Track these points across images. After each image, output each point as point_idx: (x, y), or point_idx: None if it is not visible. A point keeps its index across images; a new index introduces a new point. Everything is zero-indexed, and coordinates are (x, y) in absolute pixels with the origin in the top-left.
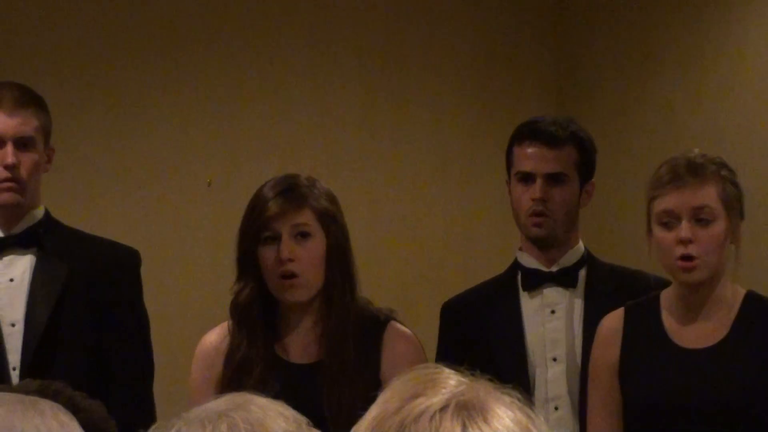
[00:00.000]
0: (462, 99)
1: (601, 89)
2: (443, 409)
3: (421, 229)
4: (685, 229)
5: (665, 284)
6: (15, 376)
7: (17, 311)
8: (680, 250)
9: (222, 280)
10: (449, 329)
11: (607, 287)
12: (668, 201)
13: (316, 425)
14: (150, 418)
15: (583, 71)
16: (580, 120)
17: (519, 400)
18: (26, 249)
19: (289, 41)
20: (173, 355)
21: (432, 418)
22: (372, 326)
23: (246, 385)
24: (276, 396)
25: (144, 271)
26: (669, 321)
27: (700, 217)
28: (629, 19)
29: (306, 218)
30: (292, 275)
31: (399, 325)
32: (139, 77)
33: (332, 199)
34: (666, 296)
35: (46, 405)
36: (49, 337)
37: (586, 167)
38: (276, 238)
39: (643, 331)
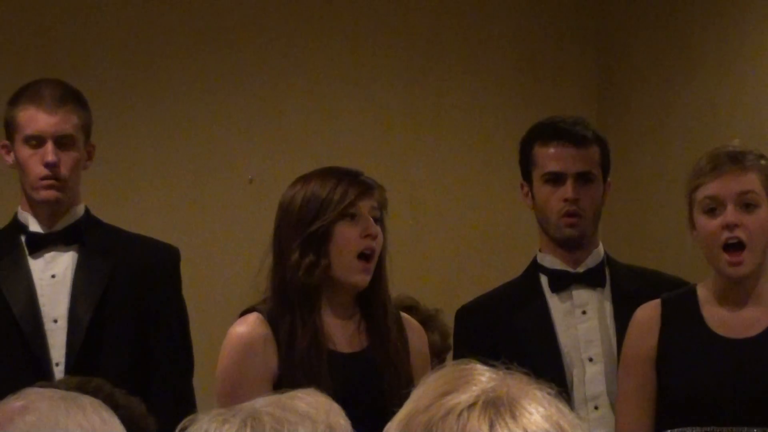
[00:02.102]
0: (502, 100)
1: (642, 90)
2: (471, 406)
3: (461, 228)
4: (730, 213)
5: (682, 284)
6: (58, 372)
7: (60, 308)
8: (726, 235)
9: (262, 275)
10: (470, 334)
11: (631, 287)
12: (712, 188)
13: (372, 415)
14: (191, 412)
15: (623, 72)
16: (621, 121)
17: (551, 394)
18: (67, 246)
19: (331, 40)
20: (214, 351)
21: (459, 415)
22: (396, 317)
23: (314, 376)
24: (335, 388)
25: (185, 268)
26: (709, 312)
27: (745, 202)
28: (669, 20)
29: (377, 204)
30: (370, 257)
31: (407, 316)
32: (181, 74)
33: None
34: (704, 288)
35: (87, 401)
36: (92, 333)
37: (606, 166)
38: (359, 216)
39: (683, 322)
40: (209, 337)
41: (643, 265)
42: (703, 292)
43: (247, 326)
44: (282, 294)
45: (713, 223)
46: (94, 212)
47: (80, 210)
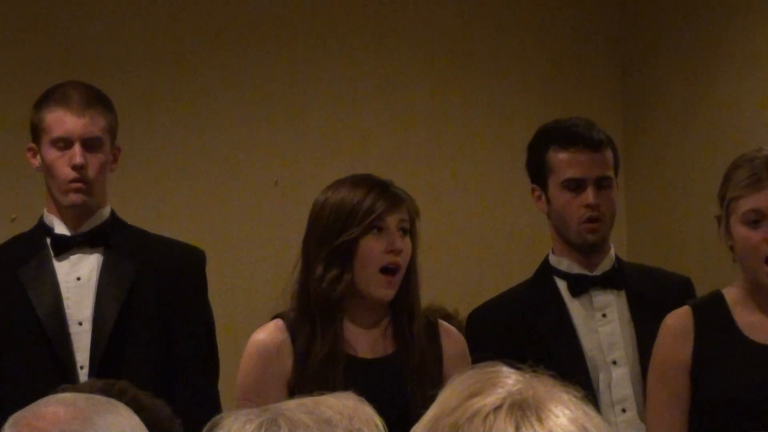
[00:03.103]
0: (527, 103)
1: (666, 92)
2: (497, 409)
3: (487, 230)
4: None
5: (687, 281)
6: (83, 375)
7: (85, 310)
8: None
9: (288, 279)
10: (488, 336)
11: (643, 287)
12: (756, 200)
13: (394, 421)
14: (216, 415)
15: (648, 75)
16: (646, 124)
17: (577, 397)
18: (93, 248)
19: (357, 43)
20: (239, 355)
21: (485, 418)
22: (428, 325)
23: (331, 383)
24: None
25: (211, 270)
26: (741, 318)
27: None
28: (693, 22)
29: (406, 216)
30: (395, 271)
31: (447, 324)
32: (207, 77)
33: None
34: (734, 293)
35: (121, 405)
36: (116, 336)
37: (617, 168)
38: (384, 231)
39: (716, 329)
40: (235, 340)
41: (668, 265)
42: (731, 298)
43: (266, 333)
44: (304, 303)
45: (756, 236)
46: (121, 215)
47: (106, 212)
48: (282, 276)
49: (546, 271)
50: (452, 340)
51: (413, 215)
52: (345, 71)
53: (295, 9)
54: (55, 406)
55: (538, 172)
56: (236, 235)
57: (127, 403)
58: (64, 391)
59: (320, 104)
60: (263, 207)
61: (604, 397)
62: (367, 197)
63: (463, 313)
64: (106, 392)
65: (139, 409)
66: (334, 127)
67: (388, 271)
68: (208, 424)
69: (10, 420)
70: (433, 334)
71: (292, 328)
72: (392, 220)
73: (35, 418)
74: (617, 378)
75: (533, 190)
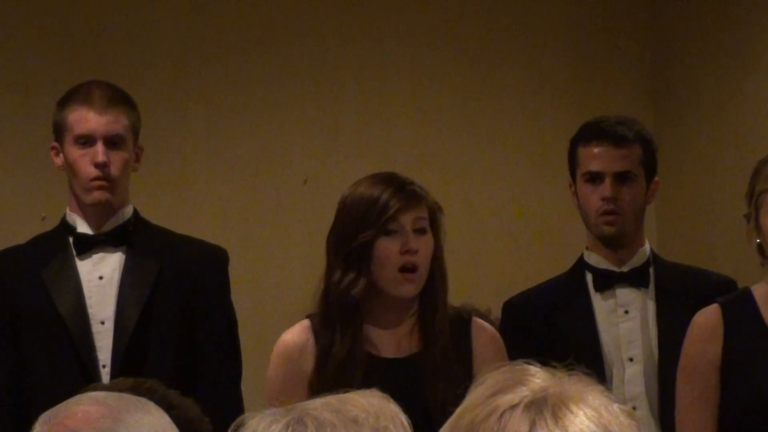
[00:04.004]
0: (556, 101)
1: (696, 89)
2: (513, 407)
3: (516, 228)
4: None
5: (728, 282)
6: (105, 374)
7: (107, 309)
8: None
9: (317, 277)
10: (512, 327)
11: (675, 286)
12: None
13: (419, 418)
14: (240, 415)
15: (678, 72)
16: (676, 121)
17: (609, 397)
18: (115, 247)
19: (387, 40)
20: (268, 353)
21: (501, 416)
22: (458, 323)
23: (349, 383)
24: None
25: (239, 269)
26: None
27: None
28: (724, 18)
29: (424, 213)
30: (413, 269)
31: (482, 322)
32: (235, 75)
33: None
34: (763, 290)
35: (151, 404)
36: (139, 335)
37: (650, 165)
38: (399, 231)
39: (745, 327)
40: (264, 340)
41: (699, 264)
42: (761, 295)
43: (292, 333)
44: (325, 305)
45: None
46: (150, 213)
47: (128, 211)
48: (311, 274)
49: (579, 265)
50: (485, 337)
51: (434, 212)
52: (374, 70)
53: (326, 8)
54: (86, 405)
55: (570, 166)
56: (265, 233)
57: (157, 402)
58: (94, 389)
59: (350, 103)
60: (292, 205)
61: (617, 393)
62: (381, 197)
63: (496, 311)
64: (135, 391)
65: (168, 408)
66: (363, 125)
67: (406, 270)
68: (233, 425)
69: (41, 418)
70: (462, 332)
71: (317, 329)
72: (407, 220)
73: (66, 417)
74: (631, 375)
75: (570, 185)
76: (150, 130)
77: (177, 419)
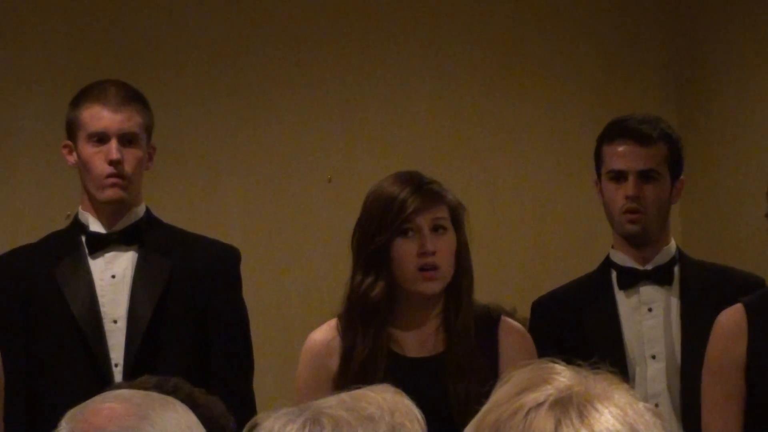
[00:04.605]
0: (581, 99)
1: (721, 86)
2: (539, 405)
3: (540, 227)
4: None
5: (755, 280)
6: (117, 373)
7: (120, 308)
8: None
9: (341, 276)
10: (541, 327)
11: (701, 284)
12: None
13: (441, 418)
14: (251, 415)
15: (702, 70)
16: (701, 119)
17: (634, 396)
18: (127, 246)
19: (412, 38)
20: (294, 353)
21: (526, 414)
22: (486, 322)
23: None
24: None
25: (264, 267)
26: None
27: None
28: (748, 15)
29: (443, 213)
30: (433, 267)
31: (511, 321)
32: (261, 75)
33: (455, 195)
34: None
35: (177, 402)
36: (151, 334)
37: (676, 164)
38: (416, 232)
39: None
40: (289, 339)
41: (723, 263)
42: None
43: (319, 332)
44: (348, 305)
45: None
46: (173, 211)
47: (141, 210)
48: (335, 273)
49: (605, 263)
50: (512, 336)
51: (456, 210)
52: (398, 68)
53: (350, 7)
54: (111, 403)
55: (596, 164)
56: (290, 232)
57: (182, 400)
58: (118, 387)
59: (374, 101)
60: (317, 204)
61: (639, 390)
62: (398, 197)
63: (523, 311)
64: (160, 389)
65: (193, 406)
66: (388, 123)
67: (425, 269)
68: (248, 425)
69: (67, 415)
70: (490, 330)
71: (342, 329)
72: (424, 220)
73: (92, 414)
74: (653, 372)
75: (596, 183)
76: (176, 129)
77: (202, 417)
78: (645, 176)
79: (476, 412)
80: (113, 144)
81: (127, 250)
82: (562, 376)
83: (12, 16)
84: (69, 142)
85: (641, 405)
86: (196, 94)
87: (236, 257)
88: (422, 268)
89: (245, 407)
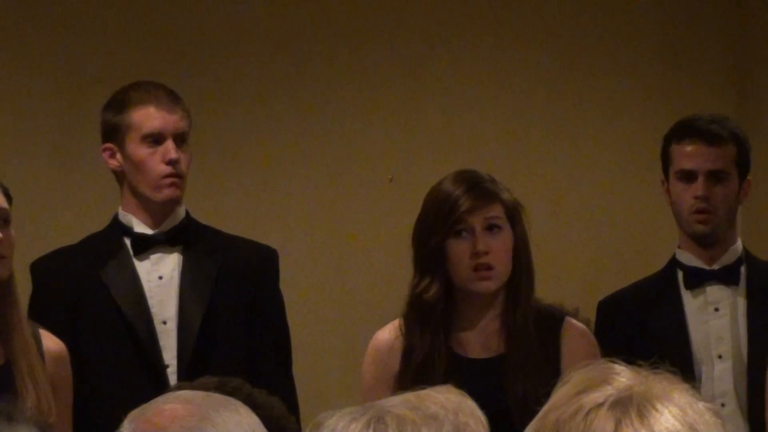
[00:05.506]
0: (641, 98)
1: None
2: (599, 405)
3: (601, 227)
4: None
5: None
6: (169, 374)
7: (169, 309)
8: None
9: (403, 276)
10: (607, 327)
11: (767, 284)
12: None
13: (500, 420)
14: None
15: (764, 68)
16: (762, 118)
17: (694, 395)
18: (172, 247)
19: (472, 40)
20: (356, 353)
21: (587, 415)
22: (548, 322)
23: (429, 383)
24: None
25: (325, 267)
26: None
27: None
28: None
29: (497, 212)
30: (488, 267)
31: (575, 321)
32: (322, 74)
33: (512, 193)
34: None
35: (240, 403)
36: (203, 335)
37: (743, 164)
38: (468, 232)
39: None
40: (350, 339)
41: None
42: None
43: (383, 331)
44: (408, 306)
45: None
46: (234, 212)
47: (182, 212)
48: (397, 273)
49: (672, 263)
50: (575, 336)
51: (512, 208)
52: (460, 68)
53: (410, 6)
54: (173, 403)
55: (663, 164)
56: (351, 231)
57: (243, 401)
58: (179, 388)
59: (435, 100)
60: (378, 203)
61: (705, 390)
62: (451, 197)
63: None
64: (221, 390)
65: (254, 407)
66: (449, 123)
67: (480, 269)
68: (312, 424)
69: (130, 416)
70: (552, 331)
71: (404, 329)
72: (477, 220)
73: (154, 415)
74: (719, 372)
75: (662, 182)
76: (237, 129)
77: (262, 418)
78: (714, 176)
79: (536, 413)
80: (170, 144)
81: (171, 252)
82: (622, 376)
83: (69, 19)
84: (111, 145)
85: (701, 405)
86: (257, 95)
87: (277, 257)
88: (476, 268)
89: (290, 402)
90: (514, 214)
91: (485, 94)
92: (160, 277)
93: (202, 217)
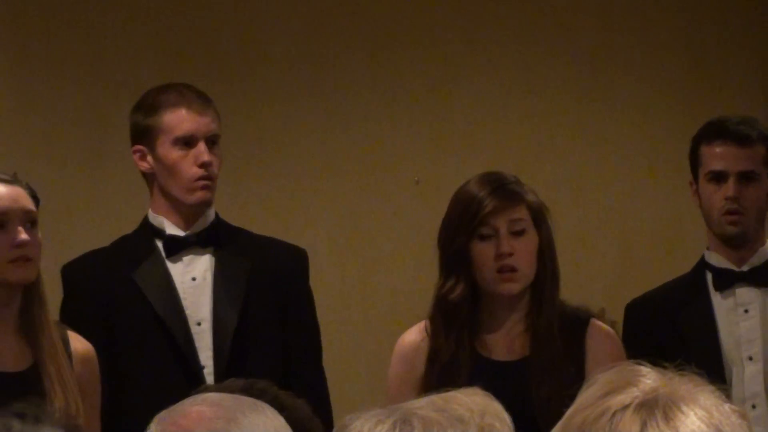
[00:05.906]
0: (669, 102)
1: None
2: (624, 407)
3: (627, 230)
4: None
5: None
6: (205, 375)
7: (203, 310)
8: None
9: (429, 277)
10: (636, 329)
11: None
12: None
13: (524, 422)
14: (328, 411)
15: None
16: None
17: (720, 397)
18: (203, 248)
19: (498, 44)
20: (382, 354)
21: (612, 417)
22: (574, 323)
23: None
24: None
25: (351, 269)
26: None
27: None
28: None
29: (522, 214)
30: (512, 269)
31: (600, 323)
32: (346, 76)
33: (538, 195)
34: None
35: (266, 405)
36: (238, 335)
37: None
38: (493, 234)
39: None
40: (376, 340)
41: None
42: None
43: (409, 333)
44: (434, 307)
45: None
46: (261, 212)
47: (212, 213)
48: (422, 275)
49: (700, 265)
50: (600, 339)
51: (537, 210)
52: (486, 70)
53: (437, 11)
54: (200, 405)
55: (692, 165)
56: (377, 234)
57: (269, 403)
58: (206, 390)
59: (462, 102)
60: (404, 206)
61: (736, 392)
62: (476, 198)
63: (611, 313)
64: (247, 392)
65: (280, 409)
66: (476, 125)
67: (504, 270)
68: (337, 426)
69: (157, 418)
70: (577, 333)
71: (430, 331)
72: (501, 223)
73: (181, 417)
74: (750, 374)
75: (691, 184)
76: (263, 131)
77: (288, 420)
78: (745, 177)
79: (561, 415)
80: (202, 146)
81: (203, 253)
82: (648, 378)
83: (97, 24)
84: (141, 147)
85: (727, 406)
86: (283, 97)
87: (307, 257)
88: (500, 270)
89: (325, 410)
90: (539, 215)
91: (511, 97)
92: (194, 278)
93: (230, 218)
